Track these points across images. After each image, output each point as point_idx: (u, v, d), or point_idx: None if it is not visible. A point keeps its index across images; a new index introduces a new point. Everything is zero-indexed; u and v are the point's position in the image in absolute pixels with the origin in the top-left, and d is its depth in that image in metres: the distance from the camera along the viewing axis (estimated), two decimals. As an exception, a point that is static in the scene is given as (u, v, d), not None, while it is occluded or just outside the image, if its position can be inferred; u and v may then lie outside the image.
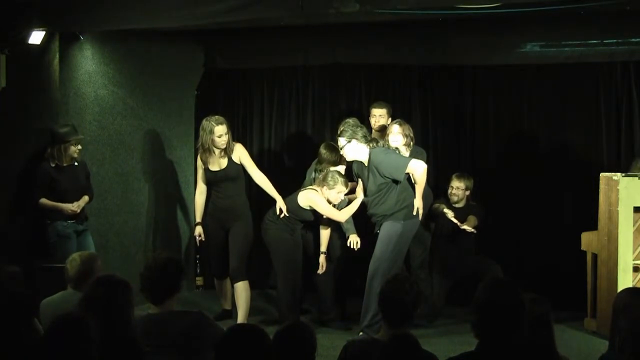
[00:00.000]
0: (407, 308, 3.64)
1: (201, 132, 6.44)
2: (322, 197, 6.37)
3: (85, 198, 6.40)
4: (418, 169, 6.06)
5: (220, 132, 6.33)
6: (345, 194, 6.45)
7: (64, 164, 6.24)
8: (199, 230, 6.68)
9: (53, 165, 6.21)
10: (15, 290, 3.83)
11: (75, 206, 6.24)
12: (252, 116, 8.39)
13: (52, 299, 4.44)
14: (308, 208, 6.45)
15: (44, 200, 6.20)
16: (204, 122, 6.42)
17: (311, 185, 6.55)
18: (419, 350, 3.16)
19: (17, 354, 3.31)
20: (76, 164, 6.34)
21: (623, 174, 6.25)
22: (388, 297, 3.68)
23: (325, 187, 6.34)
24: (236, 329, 3.12)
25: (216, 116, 6.45)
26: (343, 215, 6.40)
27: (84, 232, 6.40)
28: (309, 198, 6.40)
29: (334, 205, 6.41)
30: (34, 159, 6.32)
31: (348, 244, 6.46)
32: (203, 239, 6.71)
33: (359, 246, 6.45)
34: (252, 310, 6.65)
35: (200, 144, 6.48)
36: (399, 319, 3.63)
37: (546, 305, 3.41)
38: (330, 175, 6.34)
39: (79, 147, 6.29)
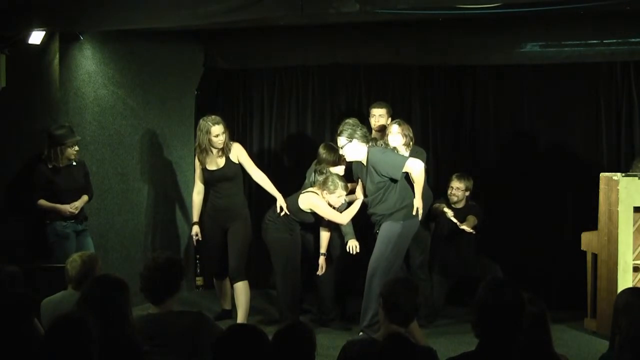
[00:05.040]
0: (408, 310, 3.63)
1: (198, 132, 6.44)
2: (323, 201, 6.37)
3: (85, 198, 6.40)
4: (415, 168, 6.05)
5: (217, 131, 6.33)
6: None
7: (61, 165, 6.23)
8: (195, 229, 6.67)
9: (50, 166, 6.20)
10: (15, 291, 3.83)
11: (72, 207, 6.24)
12: (252, 116, 8.40)
13: (52, 299, 4.45)
14: (309, 211, 6.45)
15: (42, 202, 6.20)
16: (201, 122, 6.43)
17: (311, 186, 6.55)
18: (413, 347, 3.17)
19: (17, 354, 3.31)
20: (74, 163, 6.33)
21: (623, 174, 6.25)
22: (388, 299, 3.67)
23: (325, 192, 6.35)
24: (234, 328, 3.12)
25: (213, 116, 6.45)
26: (345, 218, 6.40)
27: (83, 232, 6.40)
28: (311, 201, 6.40)
29: (335, 208, 6.42)
30: (34, 159, 6.32)
31: (347, 249, 6.46)
32: (200, 239, 6.71)
33: (357, 250, 6.45)
34: (252, 310, 6.66)
35: (197, 144, 6.48)
36: (401, 321, 3.63)
37: (541, 304, 3.41)
38: (330, 179, 6.34)
39: (76, 148, 6.28)
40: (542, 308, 3.38)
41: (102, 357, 3.06)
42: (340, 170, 6.56)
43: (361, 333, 5.93)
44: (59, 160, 6.20)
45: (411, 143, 6.55)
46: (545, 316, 3.38)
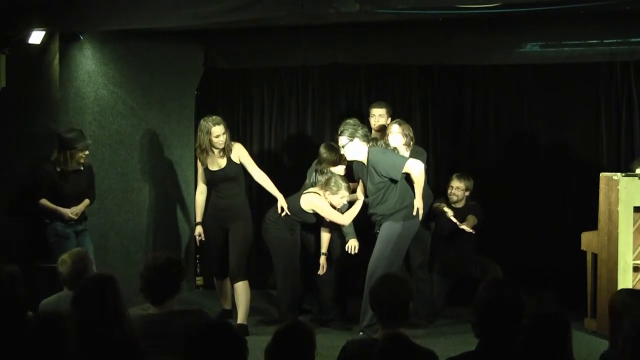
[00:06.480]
0: (398, 308, 3.61)
1: (198, 133, 6.45)
2: (325, 201, 6.37)
3: (86, 202, 6.36)
4: (415, 169, 6.06)
5: (217, 132, 6.33)
6: (345, 194, 6.46)
7: (70, 169, 6.21)
8: (199, 230, 6.67)
9: (58, 169, 6.17)
10: (12, 292, 3.82)
11: (73, 213, 6.21)
12: (252, 116, 8.39)
13: (50, 300, 4.43)
14: (310, 211, 6.45)
15: (44, 201, 6.18)
16: (202, 123, 6.43)
17: (312, 186, 6.55)
18: (413, 348, 3.16)
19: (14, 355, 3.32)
20: (82, 168, 6.30)
21: (623, 174, 6.25)
22: (377, 297, 3.67)
23: (328, 192, 6.35)
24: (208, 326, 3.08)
25: (213, 116, 6.45)
26: (346, 219, 6.41)
27: (83, 232, 6.38)
28: (312, 202, 6.40)
29: (336, 209, 6.42)
30: (34, 159, 6.31)
31: (346, 249, 6.47)
32: (203, 239, 6.71)
33: (356, 251, 6.45)
34: (252, 310, 6.66)
35: (197, 144, 6.48)
36: (392, 319, 3.61)
37: (562, 308, 3.38)
38: (333, 180, 6.34)
39: (87, 152, 6.26)
40: (564, 311, 3.34)
41: (102, 357, 3.06)
42: (340, 170, 6.55)
43: (361, 333, 5.93)
44: (68, 164, 6.16)
45: (411, 143, 6.55)
46: (567, 320, 3.34)
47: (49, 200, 6.18)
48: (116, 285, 3.52)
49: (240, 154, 6.51)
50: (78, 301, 3.44)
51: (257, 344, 3.42)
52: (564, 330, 3.30)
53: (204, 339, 2.90)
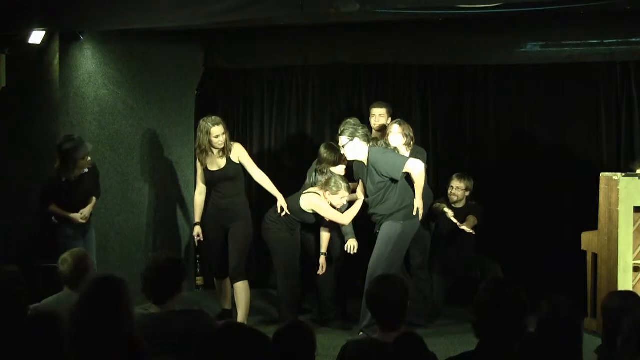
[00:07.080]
0: (393, 309, 3.60)
1: (198, 133, 6.44)
2: (325, 201, 6.37)
3: (93, 201, 6.35)
4: (415, 169, 6.06)
5: (217, 132, 6.33)
6: (345, 194, 6.46)
7: (74, 178, 6.15)
8: (197, 230, 6.67)
9: (63, 179, 6.12)
10: (8, 291, 3.82)
11: (82, 218, 6.19)
12: (252, 116, 8.39)
13: (50, 300, 4.43)
14: (310, 211, 6.45)
15: (53, 208, 6.14)
16: (201, 123, 6.43)
17: (312, 186, 6.55)
18: (424, 349, 3.16)
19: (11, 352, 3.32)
20: (86, 170, 6.28)
21: (623, 174, 6.25)
22: (372, 299, 3.66)
23: (328, 192, 6.35)
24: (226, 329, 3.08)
25: (213, 117, 6.45)
26: (346, 219, 6.40)
27: (89, 232, 6.37)
28: (312, 202, 6.40)
29: (336, 209, 6.42)
30: (34, 159, 6.31)
31: (345, 248, 6.47)
32: (202, 239, 6.71)
33: (355, 251, 6.46)
34: (252, 310, 6.66)
35: (197, 144, 6.48)
36: (389, 320, 3.61)
37: (576, 311, 3.36)
38: (333, 180, 6.34)
39: (89, 158, 6.23)
40: (576, 315, 3.32)
41: (103, 357, 3.06)
42: (340, 170, 6.55)
43: (361, 333, 5.93)
44: (71, 174, 6.12)
45: (412, 143, 6.55)
46: (580, 325, 3.32)
47: (57, 205, 6.15)
48: (127, 288, 3.52)
49: (239, 154, 6.51)
50: (86, 301, 3.44)
51: (257, 344, 3.42)
52: (574, 334, 3.28)
53: (231, 339, 2.90)
